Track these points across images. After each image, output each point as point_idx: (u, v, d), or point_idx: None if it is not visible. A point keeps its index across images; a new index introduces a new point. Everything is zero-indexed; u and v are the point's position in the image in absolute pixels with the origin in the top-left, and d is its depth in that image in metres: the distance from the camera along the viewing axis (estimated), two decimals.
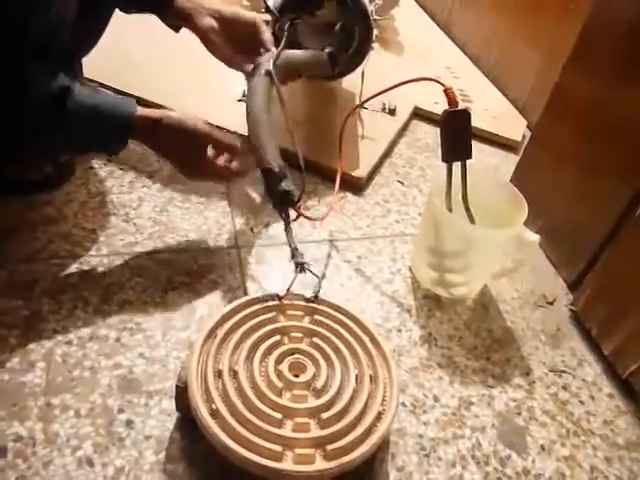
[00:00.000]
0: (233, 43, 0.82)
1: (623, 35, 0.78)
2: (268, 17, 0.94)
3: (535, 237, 0.74)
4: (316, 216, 0.85)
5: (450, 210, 0.77)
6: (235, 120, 0.92)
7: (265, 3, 0.90)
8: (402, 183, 1.02)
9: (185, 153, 0.75)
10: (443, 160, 0.75)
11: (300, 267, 0.67)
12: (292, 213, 0.73)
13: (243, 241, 0.86)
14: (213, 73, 0.92)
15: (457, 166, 0.75)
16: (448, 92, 0.74)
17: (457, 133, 0.75)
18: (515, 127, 1.20)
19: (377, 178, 1.02)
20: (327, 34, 0.93)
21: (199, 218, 0.88)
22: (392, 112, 1.14)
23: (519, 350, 0.78)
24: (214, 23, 0.81)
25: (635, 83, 0.76)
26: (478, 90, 1.29)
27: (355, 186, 0.98)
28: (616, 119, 0.80)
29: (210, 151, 0.75)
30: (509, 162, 1.11)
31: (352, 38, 0.92)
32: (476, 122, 1.18)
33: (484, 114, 1.21)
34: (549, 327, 0.82)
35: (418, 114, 1.19)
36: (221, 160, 0.76)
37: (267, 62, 0.79)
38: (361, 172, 0.98)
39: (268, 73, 0.77)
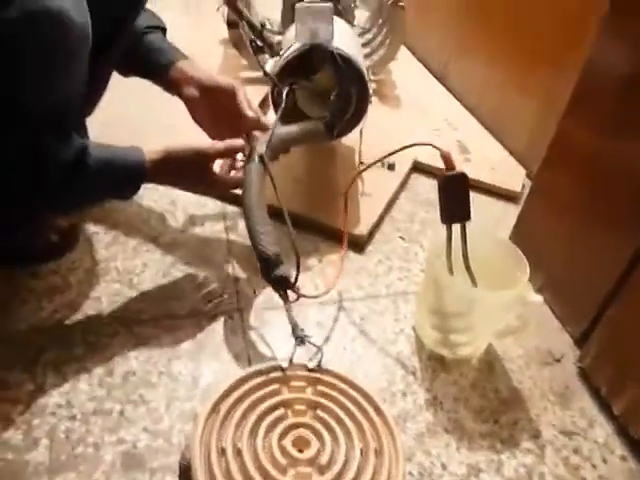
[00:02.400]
0: (216, 111, 0.87)
1: (620, 84, 0.79)
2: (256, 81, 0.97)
3: (538, 298, 0.74)
4: (318, 277, 0.86)
5: (451, 271, 0.77)
6: None
7: (262, 69, 0.92)
8: (403, 239, 1.03)
9: (194, 177, 0.82)
10: (442, 222, 0.76)
11: (300, 340, 0.67)
12: (292, 294, 0.74)
13: (246, 304, 0.86)
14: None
15: (457, 227, 0.76)
16: (445, 156, 0.76)
17: (455, 196, 0.76)
18: (514, 177, 1.21)
19: (378, 235, 1.03)
20: (325, 98, 0.95)
21: (202, 281, 0.88)
22: (391, 167, 1.15)
23: (527, 411, 0.77)
24: (196, 93, 0.86)
25: (634, 132, 0.76)
26: (476, 141, 1.31)
27: (356, 244, 0.98)
28: (617, 169, 0.80)
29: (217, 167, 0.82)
30: (510, 213, 1.11)
31: (349, 101, 0.93)
32: (475, 174, 1.21)
33: (483, 165, 1.22)
34: (557, 386, 0.81)
35: (418, 168, 1.20)
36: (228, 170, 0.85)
37: (261, 145, 0.81)
38: (362, 230, 0.99)
39: (261, 158, 0.79)
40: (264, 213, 0.76)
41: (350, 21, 1.38)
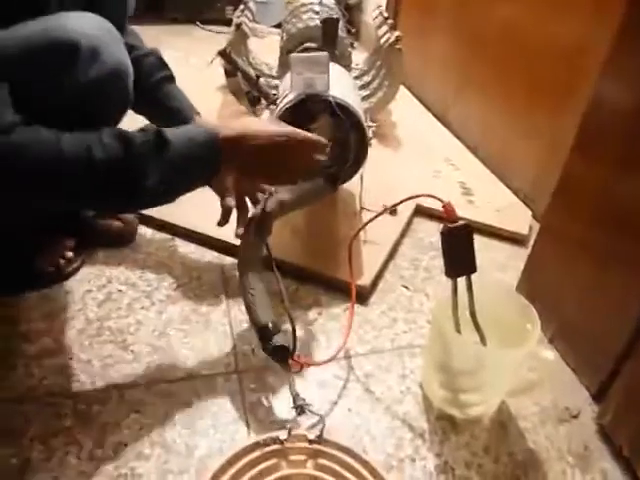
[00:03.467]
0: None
1: (626, 123, 0.76)
2: None
3: (550, 355, 0.70)
4: (320, 334, 0.82)
5: (458, 327, 0.73)
6: None
7: None
8: (407, 288, 0.99)
9: (279, 161, 0.74)
10: (447, 276, 0.73)
11: (300, 410, 0.64)
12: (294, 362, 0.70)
13: (244, 365, 0.82)
14: None
15: (462, 279, 0.73)
16: (447, 208, 0.73)
17: (459, 248, 0.73)
18: (520, 219, 1.18)
19: (381, 283, 1.00)
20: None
21: (199, 341, 0.85)
22: (393, 212, 1.13)
23: (545, 476, 0.72)
24: None
25: None
26: (479, 182, 1.28)
27: (359, 295, 0.95)
28: (628, 208, 0.76)
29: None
30: (517, 257, 1.08)
31: (348, 149, 0.92)
32: (480, 216, 1.19)
33: (487, 207, 1.19)
34: (576, 445, 0.76)
35: (420, 211, 1.17)
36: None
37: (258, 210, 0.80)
38: (365, 280, 0.95)
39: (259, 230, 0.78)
40: (261, 286, 0.74)
41: (347, 65, 1.38)
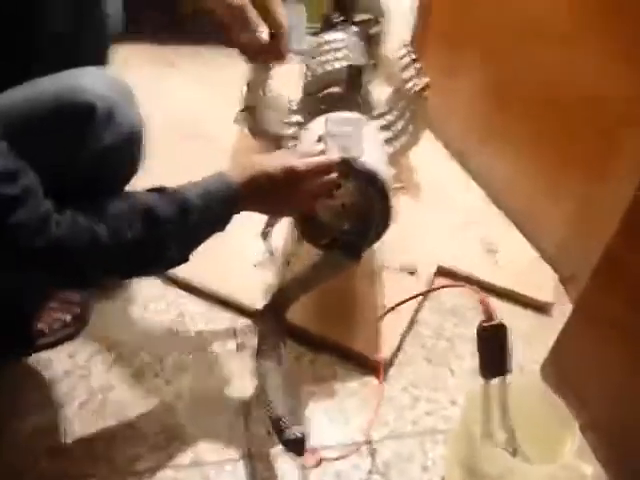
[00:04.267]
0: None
1: None
2: None
3: (589, 471, 0.65)
4: (338, 412, 0.77)
5: (488, 428, 0.69)
6: (251, 289, 0.91)
7: None
8: (430, 361, 0.95)
9: (288, 198, 0.77)
10: (482, 377, 0.68)
11: None
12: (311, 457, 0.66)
13: (257, 447, 0.77)
14: (230, 239, 0.87)
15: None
16: (484, 304, 0.68)
17: (494, 347, 0.68)
18: (546, 284, 1.12)
19: (401, 355, 0.95)
20: (346, 215, 0.88)
21: (209, 420, 0.80)
22: (413, 273, 1.08)
23: None
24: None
25: None
26: (503, 238, 1.23)
27: (378, 369, 0.90)
28: None
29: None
30: (542, 328, 1.03)
31: (371, 218, 0.87)
32: (504, 280, 1.14)
33: (511, 268, 1.14)
34: None
35: (442, 272, 1.12)
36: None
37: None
38: (385, 353, 0.90)
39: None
40: (275, 367, 0.70)
41: (370, 110, 1.33)
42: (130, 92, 0.66)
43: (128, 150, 0.66)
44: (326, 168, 0.78)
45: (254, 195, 0.72)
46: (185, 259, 0.69)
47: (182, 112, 1.61)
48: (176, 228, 0.65)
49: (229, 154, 1.43)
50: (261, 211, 0.79)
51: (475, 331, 0.70)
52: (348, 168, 0.83)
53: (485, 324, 0.67)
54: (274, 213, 0.81)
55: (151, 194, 0.65)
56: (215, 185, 0.69)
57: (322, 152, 0.81)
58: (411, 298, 0.82)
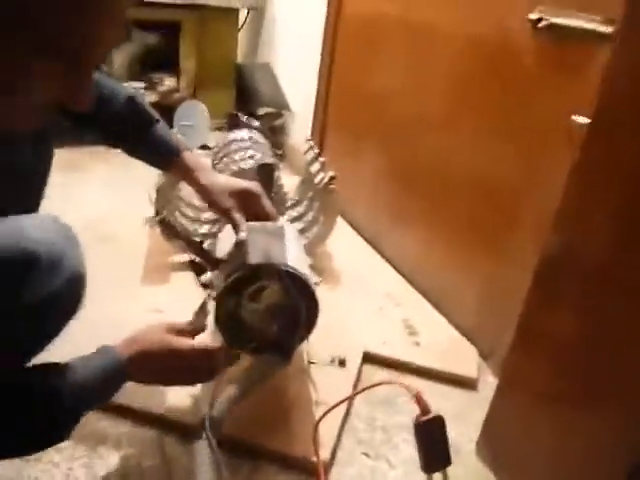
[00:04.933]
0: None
1: (584, 266, 0.76)
2: None
3: None
4: None
5: None
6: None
7: (204, 300, 0.85)
8: (368, 455, 0.93)
9: (176, 377, 0.80)
10: (424, 471, 0.69)
11: None
12: None
13: None
14: None
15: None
16: (418, 399, 0.70)
17: (433, 440, 0.69)
18: (468, 360, 1.17)
19: (340, 452, 0.93)
20: (272, 316, 0.88)
21: None
22: (342, 363, 1.08)
23: None
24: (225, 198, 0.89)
25: (608, 313, 0.72)
26: (422, 318, 1.28)
27: (318, 472, 0.87)
28: (599, 349, 0.74)
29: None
30: (470, 405, 1.06)
31: (299, 317, 0.87)
32: (427, 360, 1.17)
33: (433, 348, 1.18)
34: None
35: (368, 358, 1.14)
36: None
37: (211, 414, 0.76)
38: (324, 453, 0.88)
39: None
40: None
41: (283, 204, 1.37)
42: (73, 235, 0.67)
43: (73, 295, 0.65)
44: (211, 353, 0.80)
45: (142, 372, 0.75)
46: (68, 437, 0.68)
47: (91, 215, 1.57)
48: (60, 409, 0.65)
49: (142, 256, 1.40)
50: (152, 384, 0.80)
51: (412, 423, 0.70)
52: (271, 272, 0.84)
53: (422, 419, 0.68)
54: (166, 385, 0.84)
55: (37, 373, 0.66)
56: (104, 362, 0.71)
57: (201, 320, 0.86)
58: (347, 399, 0.82)
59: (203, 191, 0.90)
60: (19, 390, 0.63)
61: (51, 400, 0.64)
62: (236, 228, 0.88)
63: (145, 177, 1.53)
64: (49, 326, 0.64)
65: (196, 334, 0.84)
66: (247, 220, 0.89)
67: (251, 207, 0.91)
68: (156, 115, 0.92)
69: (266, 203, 0.93)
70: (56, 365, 0.68)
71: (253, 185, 0.93)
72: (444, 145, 1.29)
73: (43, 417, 0.65)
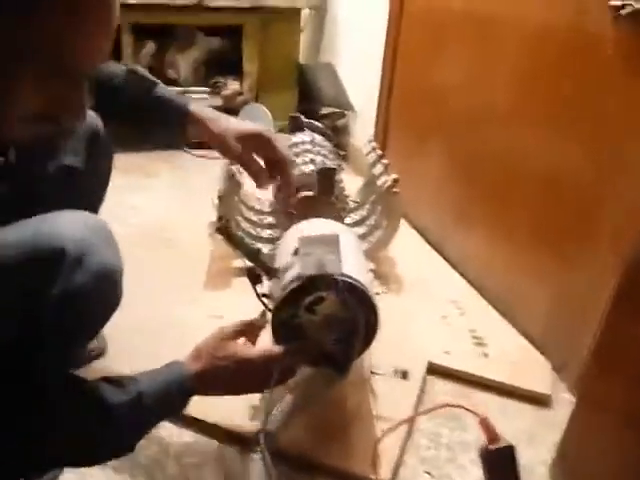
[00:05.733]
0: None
1: None
2: None
3: None
4: None
5: None
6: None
7: (265, 306, 0.84)
8: (431, 475, 0.89)
9: (244, 386, 0.81)
10: None
11: None
12: None
13: None
14: None
15: None
16: (484, 425, 0.65)
17: (501, 472, 0.64)
18: (540, 374, 1.09)
19: (402, 470, 0.89)
20: (329, 327, 0.85)
21: None
22: (405, 375, 1.04)
23: None
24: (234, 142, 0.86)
25: None
26: (489, 327, 1.21)
27: None
28: None
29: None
30: (544, 424, 0.99)
31: (357, 329, 0.84)
32: (497, 374, 1.10)
33: (502, 360, 1.12)
34: None
35: (433, 370, 1.09)
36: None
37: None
38: (385, 473, 0.85)
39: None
40: None
41: (344, 208, 1.34)
42: (106, 232, 0.66)
43: (101, 291, 0.63)
44: (279, 356, 0.80)
45: (209, 386, 0.76)
46: (132, 450, 0.69)
47: (155, 219, 1.61)
48: (127, 422, 0.66)
49: (206, 261, 1.41)
50: (218, 395, 0.80)
51: (479, 454, 0.66)
52: (327, 283, 0.82)
53: (490, 447, 0.63)
54: (232, 395, 0.82)
55: (106, 386, 0.66)
56: (170, 377, 0.72)
57: (261, 326, 0.87)
58: (409, 420, 0.78)
59: (216, 140, 0.87)
60: (85, 401, 0.64)
61: (118, 412, 0.65)
62: (253, 175, 0.89)
63: (209, 182, 1.56)
64: (77, 324, 0.63)
65: (252, 332, 0.85)
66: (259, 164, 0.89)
67: (263, 150, 0.90)
68: (156, 80, 0.90)
69: (279, 146, 0.90)
70: (122, 378, 0.69)
71: (264, 129, 0.91)
72: (511, 140, 1.22)
73: (108, 429, 0.65)
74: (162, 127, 0.91)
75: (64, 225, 0.61)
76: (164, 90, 0.88)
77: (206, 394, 0.77)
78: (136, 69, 0.89)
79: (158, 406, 0.70)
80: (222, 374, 0.77)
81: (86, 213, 0.66)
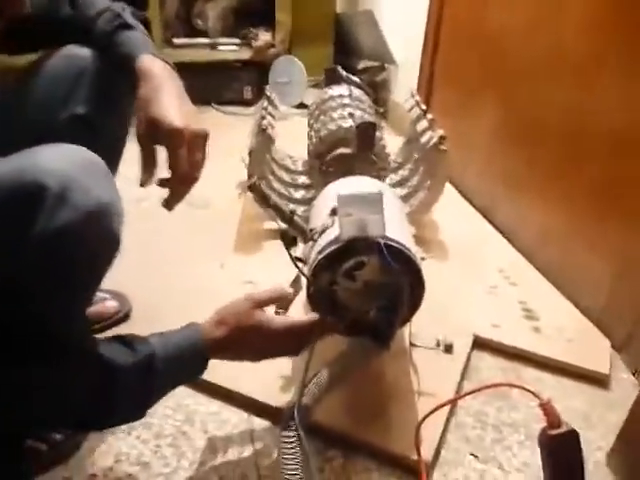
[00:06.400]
0: None
1: None
2: None
3: None
4: None
5: None
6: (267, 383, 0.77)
7: (300, 271, 0.77)
8: (476, 457, 0.82)
9: (261, 346, 0.74)
10: None
11: None
12: None
13: None
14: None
15: None
16: (545, 408, 0.57)
17: (564, 461, 0.56)
18: (598, 352, 1.00)
19: (444, 451, 0.82)
20: (370, 294, 0.78)
21: None
22: (449, 349, 0.96)
23: None
24: None
25: None
26: (542, 300, 1.12)
27: (416, 470, 0.77)
28: None
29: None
30: (601, 404, 0.91)
31: (400, 297, 0.76)
32: (551, 350, 1.00)
33: (557, 336, 1.02)
34: None
35: (479, 344, 1.01)
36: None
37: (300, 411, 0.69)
38: (425, 454, 0.78)
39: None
40: None
41: (384, 168, 1.25)
42: (96, 165, 0.58)
43: (91, 229, 0.56)
44: (302, 330, 0.75)
45: (227, 355, 0.72)
46: (142, 416, 0.66)
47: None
48: (134, 386, 0.63)
49: (235, 223, 1.35)
50: (234, 360, 0.75)
51: (537, 439, 0.58)
52: (368, 246, 0.74)
53: (552, 432, 0.55)
54: (252, 362, 0.77)
55: (115, 345, 0.63)
56: (186, 342, 0.68)
57: (295, 293, 0.81)
58: (455, 399, 0.71)
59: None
60: (87, 359, 0.61)
61: (123, 374, 0.61)
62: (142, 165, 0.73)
63: (239, 140, 1.48)
64: (66, 267, 0.56)
65: (284, 300, 0.79)
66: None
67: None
68: (139, 26, 0.81)
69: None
70: (134, 339, 0.65)
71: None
72: (582, 95, 1.07)
73: (112, 391, 0.61)
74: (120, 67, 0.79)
75: (46, 160, 0.55)
76: (133, 35, 0.79)
77: (223, 358, 0.72)
78: (117, 9, 0.81)
79: (170, 371, 0.66)
80: (244, 345, 0.72)
81: (73, 146, 0.59)
